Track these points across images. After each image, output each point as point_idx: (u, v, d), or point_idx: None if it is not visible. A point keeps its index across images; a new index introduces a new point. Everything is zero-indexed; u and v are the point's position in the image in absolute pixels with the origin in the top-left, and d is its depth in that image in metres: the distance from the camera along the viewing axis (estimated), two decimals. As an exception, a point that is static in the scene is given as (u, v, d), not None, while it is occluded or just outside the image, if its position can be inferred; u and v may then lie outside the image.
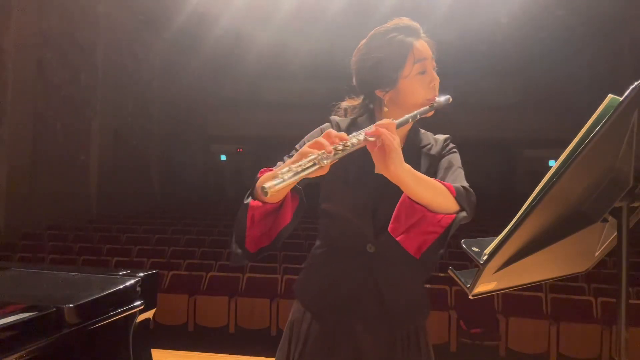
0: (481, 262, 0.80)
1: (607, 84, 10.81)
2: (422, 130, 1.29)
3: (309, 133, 1.26)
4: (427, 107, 1.16)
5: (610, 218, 0.85)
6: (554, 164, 0.77)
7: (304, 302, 1.25)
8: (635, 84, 0.70)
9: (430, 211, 1.02)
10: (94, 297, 1.45)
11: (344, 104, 1.34)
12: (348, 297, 1.18)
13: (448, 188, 1.06)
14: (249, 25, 10.86)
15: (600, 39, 11.41)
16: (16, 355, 1.14)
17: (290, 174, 0.85)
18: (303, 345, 1.20)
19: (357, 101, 1.32)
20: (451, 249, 6.39)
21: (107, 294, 1.51)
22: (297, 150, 1.19)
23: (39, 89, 8.11)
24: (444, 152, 1.24)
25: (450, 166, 1.20)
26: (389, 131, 0.98)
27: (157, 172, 12.51)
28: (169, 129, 12.93)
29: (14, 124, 7.57)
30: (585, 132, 0.75)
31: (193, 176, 14.73)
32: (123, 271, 1.78)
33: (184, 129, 13.89)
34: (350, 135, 0.98)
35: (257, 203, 1.08)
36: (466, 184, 1.13)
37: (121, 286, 1.60)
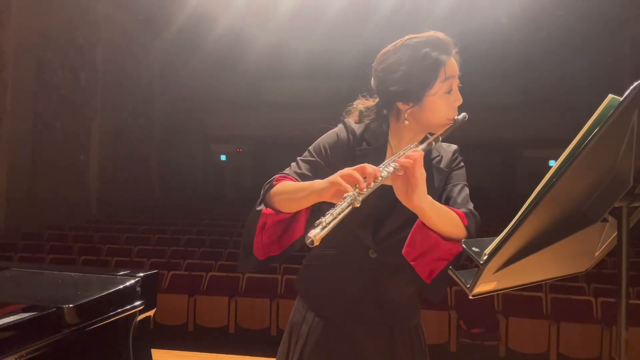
0: (481, 262, 0.80)
1: (607, 84, 10.82)
2: None
3: (323, 135, 1.25)
4: (448, 130, 1.16)
5: (610, 218, 0.86)
6: (554, 164, 0.77)
7: (309, 302, 1.24)
8: (635, 84, 0.70)
9: (443, 238, 1.05)
10: (94, 297, 1.45)
11: (359, 105, 1.30)
12: (351, 300, 1.18)
13: (460, 217, 1.08)
14: (249, 26, 10.86)
15: (600, 39, 11.41)
16: (16, 355, 1.14)
17: (330, 218, 0.89)
18: (303, 346, 1.19)
19: (370, 102, 1.29)
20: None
21: (107, 294, 1.51)
22: (310, 152, 1.21)
23: (39, 89, 8.11)
24: (453, 166, 1.24)
25: (457, 184, 1.21)
26: (417, 164, 0.98)
27: (157, 172, 12.50)
28: (169, 129, 12.93)
29: (14, 124, 7.57)
30: (585, 132, 0.75)
31: (193, 176, 14.73)
32: (123, 271, 1.78)
33: (184, 129, 13.89)
34: (381, 167, 0.98)
35: (269, 211, 1.08)
36: (471, 205, 1.16)
37: (121, 286, 1.60)
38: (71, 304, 1.34)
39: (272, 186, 1.11)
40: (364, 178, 0.93)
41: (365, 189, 0.92)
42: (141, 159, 11.69)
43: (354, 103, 1.32)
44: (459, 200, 1.17)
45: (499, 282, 0.86)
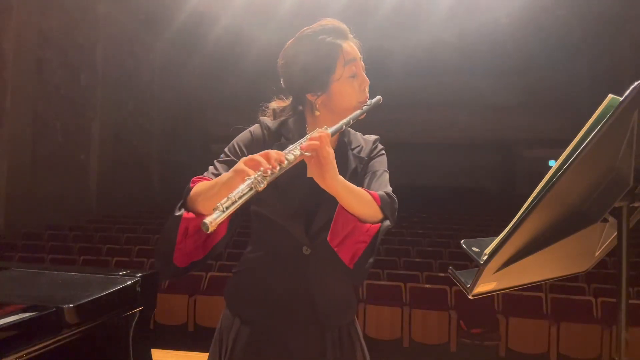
0: (481, 262, 0.80)
1: (607, 84, 10.82)
2: (352, 131, 1.28)
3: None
4: (359, 112, 1.15)
5: (610, 218, 0.86)
6: (554, 164, 0.77)
7: (234, 309, 1.22)
8: (635, 84, 0.70)
9: (360, 221, 1.05)
10: (93, 297, 1.45)
11: (273, 105, 1.31)
12: (280, 302, 1.16)
13: (374, 197, 1.08)
14: (249, 25, 10.86)
15: (601, 39, 11.41)
16: (16, 355, 1.14)
17: (229, 203, 0.84)
18: (231, 353, 1.17)
19: (285, 103, 1.29)
20: (451, 249, 6.40)
21: (106, 294, 1.51)
22: (225, 153, 1.20)
23: (39, 89, 8.12)
24: (372, 155, 1.24)
25: (377, 170, 1.21)
26: (323, 143, 0.98)
27: (157, 172, 12.50)
28: (169, 129, 12.93)
29: (14, 124, 7.57)
30: (585, 132, 0.75)
31: (193, 176, 14.70)
32: (123, 271, 1.78)
33: (184, 129, 13.89)
34: (286, 151, 0.97)
35: (190, 215, 1.04)
36: (389, 189, 1.15)
37: (121, 286, 1.60)
38: (71, 304, 1.34)
39: (190, 189, 1.08)
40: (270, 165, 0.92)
41: (269, 173, 0.90)
42: (141, 159, 11.69)
43: (269, 104, 1.32)
44: (376, 184, 1.17)
45: (499, 282, 0.86)
